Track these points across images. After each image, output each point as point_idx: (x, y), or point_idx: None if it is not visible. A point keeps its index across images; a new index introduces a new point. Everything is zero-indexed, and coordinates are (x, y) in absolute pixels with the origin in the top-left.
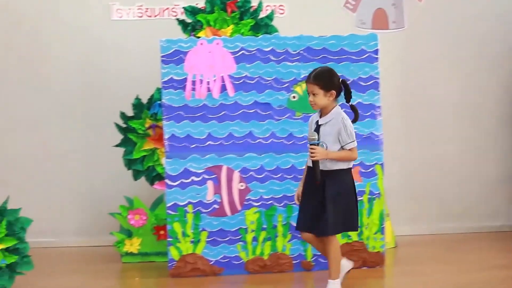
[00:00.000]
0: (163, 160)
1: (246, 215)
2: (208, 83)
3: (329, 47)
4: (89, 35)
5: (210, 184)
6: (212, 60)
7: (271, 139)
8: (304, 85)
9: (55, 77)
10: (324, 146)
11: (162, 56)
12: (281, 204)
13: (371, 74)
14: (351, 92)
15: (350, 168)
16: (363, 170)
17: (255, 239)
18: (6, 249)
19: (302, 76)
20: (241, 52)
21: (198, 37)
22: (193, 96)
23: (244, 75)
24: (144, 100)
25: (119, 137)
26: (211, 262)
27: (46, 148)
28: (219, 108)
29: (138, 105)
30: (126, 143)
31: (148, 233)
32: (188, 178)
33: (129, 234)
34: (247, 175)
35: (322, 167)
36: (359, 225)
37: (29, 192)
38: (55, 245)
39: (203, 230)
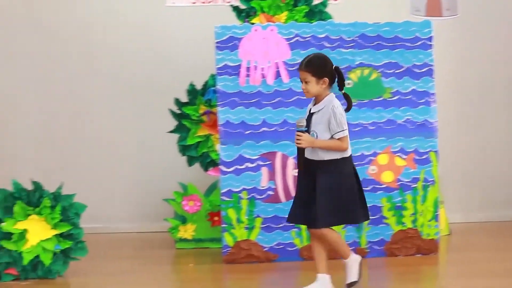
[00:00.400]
0: (218, 146)
1: None
2: (262, 69)
3: (384, 34)
4: (144, 22)
5: (264, 171)
6: (267, 46)
7: None
8: (358, 72)
9: (111, 64)
10: (315, 135)
11: (217, 43)
12: None
13: (425, 61)
14: (344, 80)
15: (345, 158)
16: (418, 157)
17: None
18: (61, 235)
19: (356, 63)
20: (295, 39)
21: (253, 24)
22: (248, 83)
23: (298, 61)
24: (199, 87)
25: (173, 123)
26: (265, 249)
27: (101, 134)
28: (274, 95)
29: (192, 91)
30: (181, 129)
31: (202, 219)
32: (243, 165)
33: (183, 220)
34: None
35: (314, 156)
36: (364, 216)
37: (83, 178)
38: (109, 231)
39: (258, 216)
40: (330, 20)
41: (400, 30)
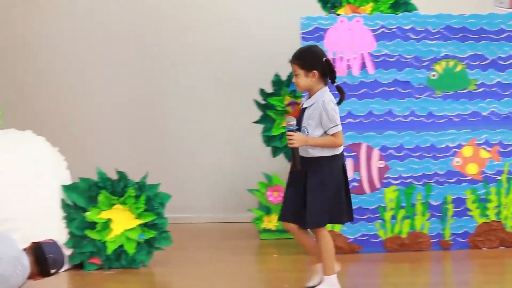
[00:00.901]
0: None
1: (385, 193)
2: (348, 60)
3: (469, 25)
4: (229, 12)
5: (349, 162)
6: (352, 37)
7: (411, 118)
8: (444, 64)
9: (198, 54)
10: (306, 131)
11: (302, 33)
12: (420, 183)
13: (511, 53)
14: (335, 73)
15: (336, 155)
16: (502, 150)
17: (393, 217)
18: (145, 224)
19: (442, 55)
20: (381, 30)
21: (338, 15)
22: None
23: (384, 53)
24: (284, 77)
25: (258, 113)
26: (350, 240)
27: (185, 124)
28: (359, 86)
29: (277, 82)
30: (265, 120)
31: None
32: None
33: (268, 210)
34: (386, 153)
35: (304, 154)
36: (348, 217)
37: (168, 168)
38: (193, 221)
39: None
40: (415, 11)
41: (485, 22)
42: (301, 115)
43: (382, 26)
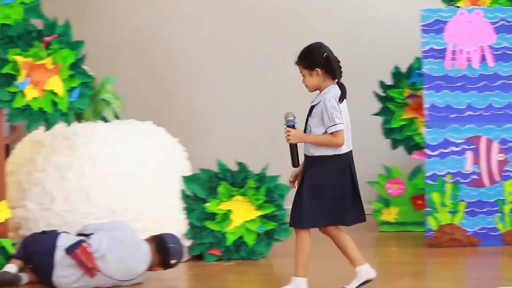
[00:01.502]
0: (423, 130)
1: (505, 186)
2: (468, 53)
3: None
4: (350, 5)
5: (469, 155)
6: (472, 30)
7: None
8: None
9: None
10: (309, 129)
11: (423, 26)
12: None
13: None
14: (334, 69)
15: (339, 155)
16: None
17: None
18: (265, 216)
19: None
20: (500, 23)
21: (458, 7)
22: (453, 66)
23: (503, 45)
24: (403, 69)
25: (378, 105)
26: (469, 233)
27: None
28: (479, 79)
29: (397, 74)
30: (385, 112)
31: (405, 202)
32: (447, 148)
33: (387, 203)
34: (506, 146)
35: (306, 152)
36: (357, 218)
37: (288, 159)
38: None
39: (462, 200)
40: None
41: None
42: (309, 113)
43: (502, 19)
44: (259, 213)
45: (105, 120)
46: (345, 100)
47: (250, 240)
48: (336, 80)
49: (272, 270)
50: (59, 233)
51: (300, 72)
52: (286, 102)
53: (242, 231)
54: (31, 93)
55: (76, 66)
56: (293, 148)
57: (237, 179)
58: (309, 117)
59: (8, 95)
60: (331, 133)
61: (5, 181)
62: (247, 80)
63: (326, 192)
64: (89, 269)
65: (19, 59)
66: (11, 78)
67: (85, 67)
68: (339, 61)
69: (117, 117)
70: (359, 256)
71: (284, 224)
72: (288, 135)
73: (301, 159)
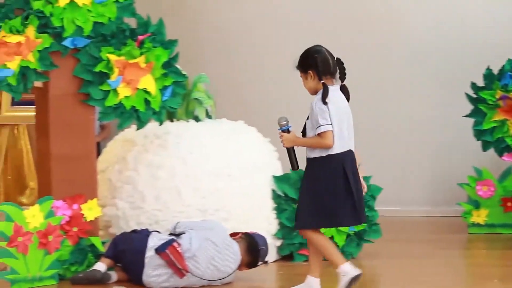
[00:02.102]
0: None
1: None
2: None
3: None
4: (442, 5)
5: None
6: None
7: None
8: None
9: (414, 51)
10: (306, 131)
11: None
12: None
13: None
14: (319, 70)
15: (331, 155)
16: None
17: None
18: None
19: None
20: None
21: None
22: None
23: None
24: (495, 71)
25: (469, 107)
26: None
27: (397, 117)
28: None
29: (489, 76)
30: (477, 113)
31: (495, 204)
32: None
33: (477, 205)
34: None
35: (306, 155)
36: (354, 219)
37: (379, 161)
38: (401, 214)
39: None
40: None
41: None
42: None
43: None
44: None
45: (197, 119)
46: (344, 100)
47: (340, 240)
48: (334, 80)
49: (362, 271)
50: (150, 232)
51: (300, 76)
52: (377, 102)
53: (333, 231)
54: (123, 92)
55: (169, 65)
56: (290, 152)
57: None
58: (307, 119)
59: (100, 93)
60: (318, 135)
61: (96, 179)
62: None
63: (319, 194)
64: (179, 270)
65: (112, 57)
66: (104, 77)
67: (177, 66)
68: (341, 63)
69: (209, 116)
70: (339, 256)
71: (375, 225)
72: (281, 140)
73: None
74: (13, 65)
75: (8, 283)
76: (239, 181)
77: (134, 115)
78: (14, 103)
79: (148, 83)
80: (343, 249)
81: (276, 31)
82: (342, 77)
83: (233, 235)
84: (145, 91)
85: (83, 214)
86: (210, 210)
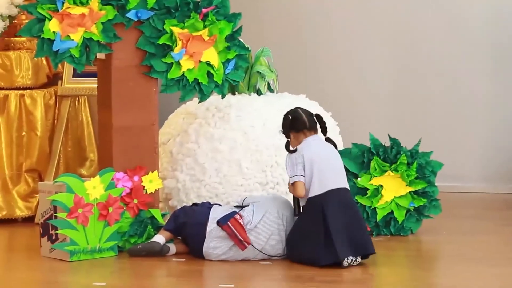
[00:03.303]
0: None
1: None
2: None
3: None
4: None
5: None
6: None
7: None
8: None
9: (470, 23)
10: None
11: None
12: None
13: None
14: (296, 126)
15: (311, 198)
16: None
17: None
18: (415, 192)
19: None
20: None
21: None
22: None
23: None
24: None
25: None
26: None
27: (458, 92)
28: None
29: None
30: None
31: None
32: None
33: None
34: None
35: None
36: (328, 259)
37: (440, 135)
38: (461, 190)
39: None
40: None
41: None
42: None
43: None
44: (410, 189)
45: (258, 92)
46: (328, 147)
47: (400, 216)
48: (313, 132)
49: (420, 246)
50: (212, 205)
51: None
52: (437, 80)
53: (393, 206)
54: (186, 64)
55: (232, 38)
56: (294, 198)
57: (389, 154)
58: None
59: (163, 66)
60: (292, 184)
61: (158, 151)
62: (398, 56)
63: (302, 234)
64: (240, 242)
65: (176, 30)
66: (167, 49)
67: (240, 39)
68: (320, 118)
69: (271, 90)
70: None
71: (435, 201)
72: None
73: None
74: (76, 36)
75: (67, 254)
76: None
77: (197, 87)
78: (76, 74)
79: (211, 56)
80: (403, 224)
81: (340, 3)
82: (323, 131)
83: None
84: (208, 64)
85: (143, 186)
86: (270, 184)
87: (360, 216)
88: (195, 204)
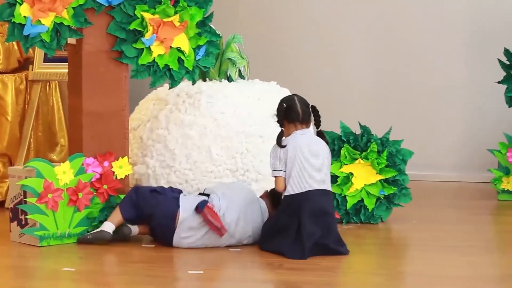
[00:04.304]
0: None
1: None
2: None
3: None
4: None
5: None
6: None
7: None
8: None
9: (445, 15)
10: None
11: None
12: None
13: None
14: (292, 117)
15: (289, 196)
16: None
17: None
18: (386, 180)
19: None
20: None
21: None
22: None
23: None
24: None
25: (502, 73)
26: None
27: (431, 82)
28: None
29: None
30: (509, 80)
31: None
32: None
33: (507, 171)
34: None
35: None
36: (296, 255)
37: (410, 124)
38: (432, 178)
39: None
40: None
41: None
42: None
43: None
44: (380, 177)
45: (229, 79)
46: (316, 144)
47: (370, 204)
48: (305, 126)
49: (390, 234)
50: (175, 192)
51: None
52: (407, 67)
53: (363, 194)
54: (157, 50)
55: (203, 25)
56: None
57: (359, 142)
58: None
59: (134, 51)
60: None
61: (128, 137)
62: (372, 43)
63: (277, 226)
64: (218, 229)
65: (147, 15)
66: (137, 35)
67: (212, 25)
68: (315, 110)
69: (241, 76)
70: None
71: (405, 189)
72: None
73: None
74: (47, 21)
75: (37, 239)
76: (270, 142)
77: (167, 73)
78: (47, 59)
79: (182, 42)
80: (372, 212)
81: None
82: (317, 123)
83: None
84: (179, 50)
85: (113, 172)
86: (240, 171)
87: (334, 222)
88: (155, 191)
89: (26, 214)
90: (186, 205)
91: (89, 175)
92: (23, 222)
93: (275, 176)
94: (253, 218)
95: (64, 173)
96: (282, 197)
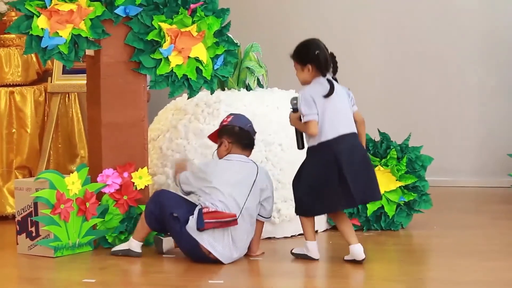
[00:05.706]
0: None
1: None
2: None
3: None
4: None
5: None
6: None
7: None
8: None
9: (462, 17)
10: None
11: None
12: None
13: None
14: (324, 67)
15: (321, 144)
16: None
17: None
18: (405, 187)
19: None
20: None
21: None
22: None
23: None
24: None
25: None
26: None
27: (450, 88)
28: None
29: None
30: None
31: None
32: None
33: None
34: None
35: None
36: (345, 203)
37: (430, 130)
38: (452, 184)
39: None
40: None
41: None
42: None
43: None
44: (400, 183)
45: (248, 88)
46: (338, 88)
47: (390, 210)
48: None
49: (411, 241)
50: (172, 216)
51: (294, 66)
52: (427, 73)
53: (383, 201)
54: (175, 60)
55: (220, 34)
56: (297, 131)
57: (379, 149)
58: None
59: (152, 62)
60: (304, 123)
61: (147, 147)
62: (388, 50)
63: (313, 181)
64: (229, 222)
65: (164, 26)
66: (155, 45)
67: (229, 34)
68: (334, 57)
69: (260, 85)
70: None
71: (425, 195)
72: (289, 119)
73: None
74: (65, 33)
75: (51, 250)
76: (289, 150)
77: (186, 83)
78: (65, 71)
79: (200, 51)
80: (393, 219)
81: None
82: (335, 70)
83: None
84: (197, 59)
85: (133, 183)
86: None
87: (369, 160)
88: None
89: (37, 225)
90: (194, 227)
91: (96, 185)
92: (34, 234)
93: (306, 121)
94: (248, 185)
95: (73, 183)
96: (310, 146)
